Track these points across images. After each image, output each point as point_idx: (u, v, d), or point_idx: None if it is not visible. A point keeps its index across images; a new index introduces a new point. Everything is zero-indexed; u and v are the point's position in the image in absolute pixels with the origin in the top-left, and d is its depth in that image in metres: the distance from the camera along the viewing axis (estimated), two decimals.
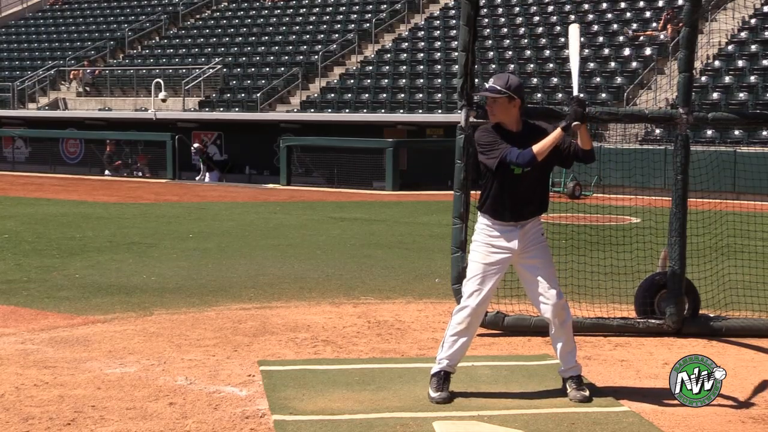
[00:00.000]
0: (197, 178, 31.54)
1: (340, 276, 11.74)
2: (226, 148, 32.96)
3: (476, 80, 8.25)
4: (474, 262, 6.47)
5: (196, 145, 32.11)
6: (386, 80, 33.26)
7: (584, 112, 6.34)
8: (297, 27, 39.21)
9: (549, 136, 6.32)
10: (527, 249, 6.43)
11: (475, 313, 6.39)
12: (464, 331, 6.41)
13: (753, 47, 28.42)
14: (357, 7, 39.20)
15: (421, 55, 33.98)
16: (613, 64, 29.94)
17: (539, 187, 6.49)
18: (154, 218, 18.86)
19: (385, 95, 32.38)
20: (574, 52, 6.84)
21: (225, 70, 36.69)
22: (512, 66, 31.31)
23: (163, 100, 34.59)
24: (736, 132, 24.96)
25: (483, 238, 6.47)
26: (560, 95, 28.57)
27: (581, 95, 6.46)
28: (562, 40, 31.99)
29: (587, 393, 6.44)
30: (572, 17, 33.12)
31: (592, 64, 30.15)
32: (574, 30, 6.99)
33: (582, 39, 7.18)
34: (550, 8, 34.17)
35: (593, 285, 9.55)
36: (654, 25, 31.18)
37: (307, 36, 37.98)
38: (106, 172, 33.04)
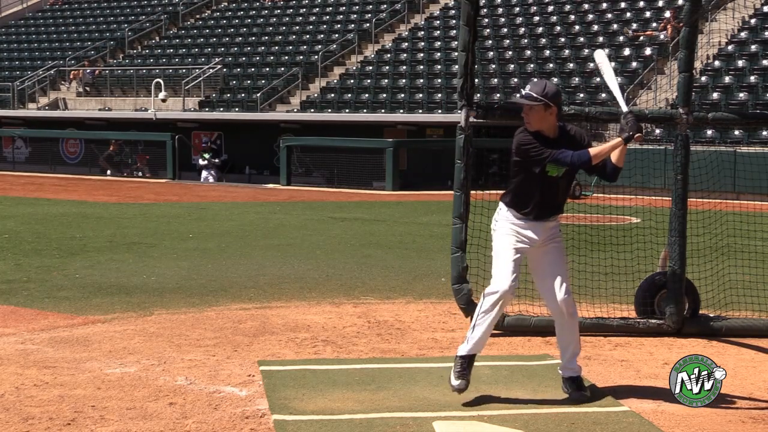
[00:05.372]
0: (202, 179, 31.57)
1: (340, 276, 11.74)
2: (226, 148, 32.97)
3: (476, 80, 8.21)
4: (502, 246, 6.47)
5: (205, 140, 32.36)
6: (386, 80, 33.26)
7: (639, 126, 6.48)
8: (297, 27, 39.21)
9: (608, 144, 6.42)
10: (546, 243, 6.51)
11: (506, 295, 6.39)
12: (494, 313, 6.41)
13: (753, 47, 28.42)
14: (357, 7, 39.20)
15: (421, 55, 33.98)
16: (613, 64, 29.87)
17: (566, 190, 6.59)
18: (154, 218, 18.86)
19: (385, 95, 32.39)
20: (609, 76, 6.94)
21: (225, 70, 36.69)
22: (512, 66, 31.32)
23: (163, 100, 34.60)
24: (736, 132, 24.96)
25: (509, 225, 6.51)
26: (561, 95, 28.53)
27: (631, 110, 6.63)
28: (562, 40, 32.00)
29: (588, 393, 6.45)
30: (572, 17, 33.15)
31: (592, 65, 30.14)
32: (600, 56, 7.13)
33: (609, 61, 7.40)
34: (550, 8, 34.17)
35: (593, 285, 9.55)
36: (654, 25, 31.19)
37: (307, 36, 37.98)
38: (108, 172, 33.05)
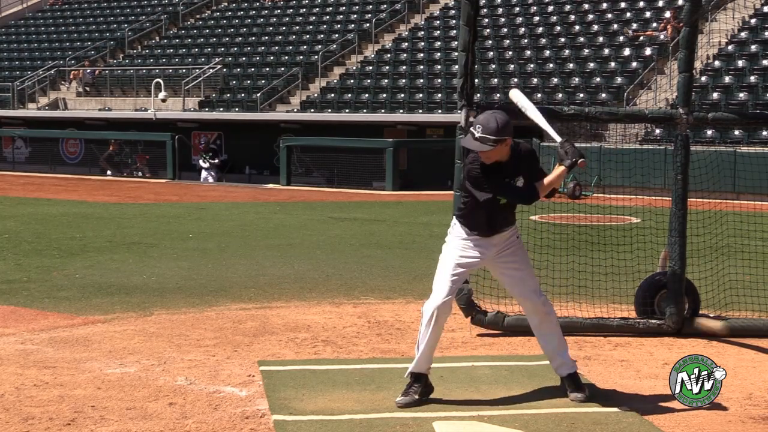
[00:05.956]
0: (202, 179, 31.61)
1: (340, 276, 11.74)
2: (226, 148, 32.98)
3: (476, 80, 8.19)
4: (445, 260, 6.48)
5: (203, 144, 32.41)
6: (386, 80, 33.26)
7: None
8: (297, 27, 39.22)
9: (553, 174, 6.35)
10: (502, 251, 6.50)
11: (440, 309, 6.38)
12: (432, 329, 6.38)
13: (753, 47, 28.42)
14: (357, 7, 39.20)
15: (421, 55, 33.98)
16: (613, 64, 29.94)
17: (512, 207, 6.54)
18: (154, 218, 18.86)
19: (385, 95, 32.39)
20: (532, 113, 6.79)
21: (225, 70, 36.69)
22: (512, 66, 31.31)
23: (163, 100, 34.60)
24: (736, 132, 24.96)
25: (458, 240, 6.51)
26: (560, 95, 28.56)
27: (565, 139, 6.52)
28: (562, 40, 32.00)
29: (587, 392, 6.45)
30: (572, 17, 33.14)
31: (592, 64, 30.16)
32: (516, 94, 6.97)
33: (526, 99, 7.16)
34: (550, 8, 34.17)
35: (593, 285, 9.55)
36: (654, 25, 31.19)
37: (307, 36, 37.98)
38: (108, 172, 33.05)
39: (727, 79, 27.28)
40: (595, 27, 32.22)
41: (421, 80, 32.50)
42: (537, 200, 6.40)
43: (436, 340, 6.46)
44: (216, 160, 32.10)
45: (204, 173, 31.86)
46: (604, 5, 33.29)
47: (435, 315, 6.36)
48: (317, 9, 40.15)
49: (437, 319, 6.37)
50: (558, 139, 6.52)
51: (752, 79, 27.00)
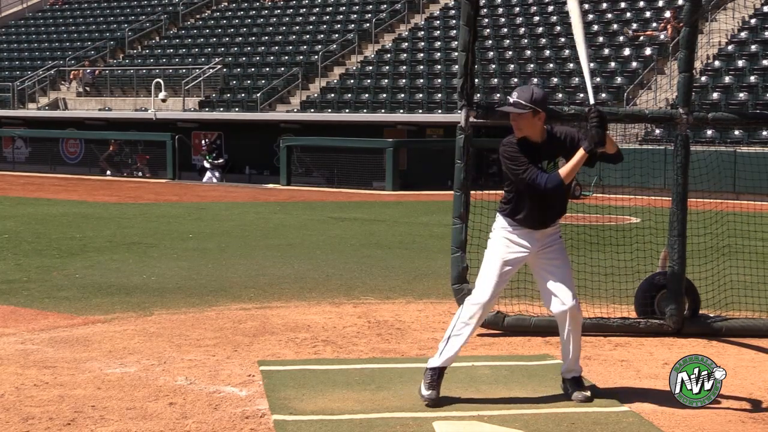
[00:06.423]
0: (206, 179, 31.62)
1: (340, 276, 11.74)
2: (226, 148, 32.98)
3: (476, 80, 8.16)
4: (492, 256, 6.42)
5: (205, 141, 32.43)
6: (386, 80, 33.27)
7: (605, 130, 6.28)
8: (297, 27, 39.23)
9: (574, 159, 6.26)
10: (545, 248, 6.43)
11: (485, 307, 6.38)
12: (472, 325, 6.37)
13: (753, 47, 28.43)
14: (357, 7, 39.22)
15: (421, 55, 33.99)
16: (613, 64, 29.95)
17: (563, 196, 6.47)
18: (154, 218, 18.86)
19: (385, 95, 32.39)
20: (578, 31, 6.62)
21: (225, 70, 36.70)
22: (512, 66, 31.31)
23: (163, 100, 34.62)
24: (736, 132, 24.97)
25: (503, 234, 6.44)
26: (560, 95, 28.56)
27: (599, 107, 6.40)
28: (563, 40, 31.99)
29: (589, 393, 6.44)
30: None
31: (592, 64, 30.13)
32: (572, 3, 6.77)
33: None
34: (550, 8, 34.17)
35: (593, 285, 9.54)
36: (654, 25, 31.20)
37: (307, 36, 37.99)
38: (108, 172, 33.06)
39: (727, 79, 27.29)
40: (595, 27, 32.22)
41: (421, 80, 32.51)
42: (561, 187, 6.26)
43: (470, 338, 6.45)
44: (220, 160, 32.15)
45: (208, 174, 31.88)
46: (604, 5, 33.29)
47: (478, 314, 6.34)
48: (317, 9, 40.16)
49: (480, 318, 6.37)
50: (591, 99, 6.41)
51: (752, 79, 27.01)
